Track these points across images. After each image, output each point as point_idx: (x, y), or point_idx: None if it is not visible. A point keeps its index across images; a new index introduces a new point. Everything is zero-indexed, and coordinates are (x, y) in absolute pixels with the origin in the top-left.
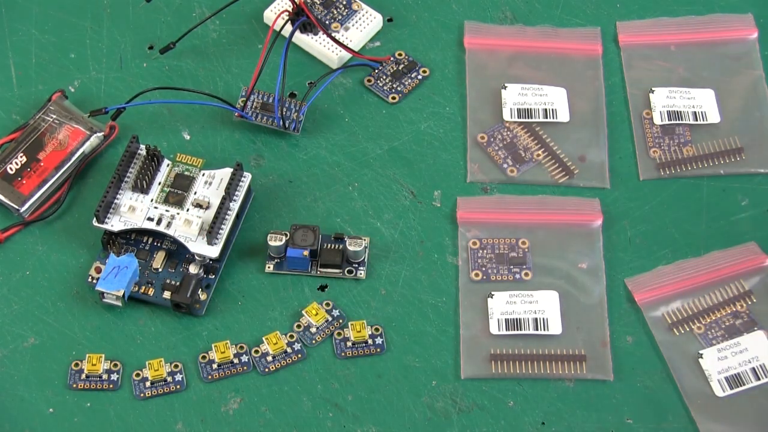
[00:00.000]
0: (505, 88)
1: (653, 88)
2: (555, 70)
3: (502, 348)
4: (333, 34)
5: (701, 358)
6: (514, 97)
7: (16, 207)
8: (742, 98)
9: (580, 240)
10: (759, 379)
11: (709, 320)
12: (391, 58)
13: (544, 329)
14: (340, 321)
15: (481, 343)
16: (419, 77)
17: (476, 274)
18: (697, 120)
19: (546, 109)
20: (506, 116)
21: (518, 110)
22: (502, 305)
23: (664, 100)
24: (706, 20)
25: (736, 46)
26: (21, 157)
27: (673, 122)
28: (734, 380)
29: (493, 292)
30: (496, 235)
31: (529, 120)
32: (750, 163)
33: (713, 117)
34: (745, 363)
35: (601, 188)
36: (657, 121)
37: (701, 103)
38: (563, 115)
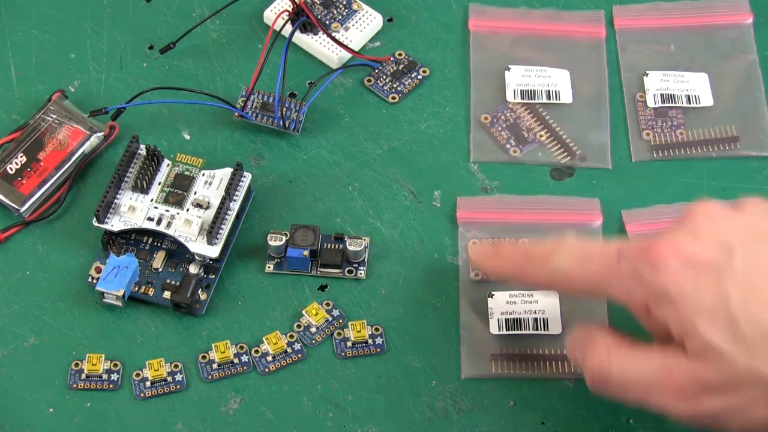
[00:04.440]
0: (508, 69)
1: (647, 71)
2: (558, 52)
3: (502, 348)
4: (333, 34)
5: None
6: (518, 78)
7: (16, 207)
8: (736, 82)
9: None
10: None
11: None
12: (391, 58)
13: (544, 329)
14: (340, 321)
15: (481, 343)
16: (419, 77)
17: (476, 274)
18: (690, 103)
19: (549, 91)
20: (509, 97)
21: (521, 91)
22: (502, 305)
23: (657, 84)
24: (701, 5)
25: (730, 31)
26: (21, 157)
27: (666, 105)
28: None
29: (493, 292)
30: (496, 235)
31: (533, 101)
32: (743, 147)
33: (706, 100)
34: None
35: (603, 168)
36: (650, 103)
37: (695, 86)
38: (566, 97)
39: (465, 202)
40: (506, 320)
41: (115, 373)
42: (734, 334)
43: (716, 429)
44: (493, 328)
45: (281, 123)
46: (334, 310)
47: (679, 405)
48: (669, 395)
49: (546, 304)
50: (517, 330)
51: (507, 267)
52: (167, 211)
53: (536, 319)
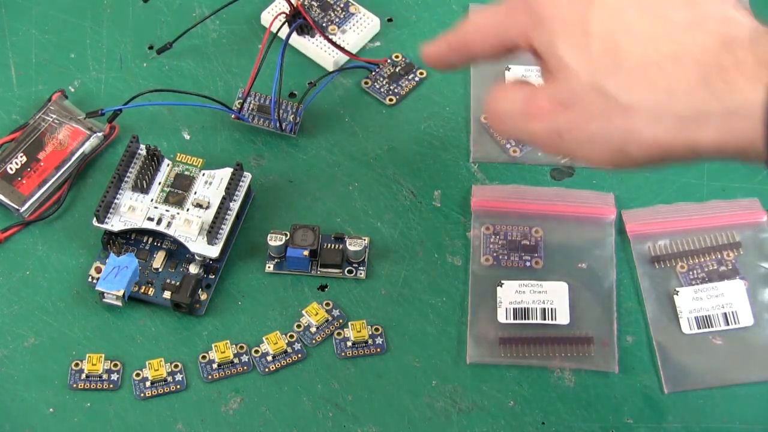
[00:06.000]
0: (508, 69)
1: None
2: None
3: (509, 335)
4: (330, 37)
5: (676, 294)
6: (518, 78)
7: (16, 207)
8: None
9: (593, 233)
10: (728, 324)
11: (693, 262)
12: (388, 61)
13: (552, 320)
14: (340, 321)
15: (489, 329)
16: (416, 79)
17: (486, 259)
18: None
19: None
20: None
21: None
22: (512, 294)
23: None
24: None
25: None
26: (21, 157)
27: None
28: (703, 321)
29: (502, 281)
30: (509, 223)
31: None
32: None
33: None
34: (718, 307)
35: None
36: None
37: None
38: None
39: (479, 190)
40: (514, 309)
41: (115, 373)
42: (584, 50)
43: (558, 149)
44: (501, 317)
45: (278, 125)
46: (334, 310)
47: (536, 125)
48: (530, 118)
49: (555, 295)
50: (525, 319)
51: (441, 42)
52: (167, 211)
53: (544, 309)
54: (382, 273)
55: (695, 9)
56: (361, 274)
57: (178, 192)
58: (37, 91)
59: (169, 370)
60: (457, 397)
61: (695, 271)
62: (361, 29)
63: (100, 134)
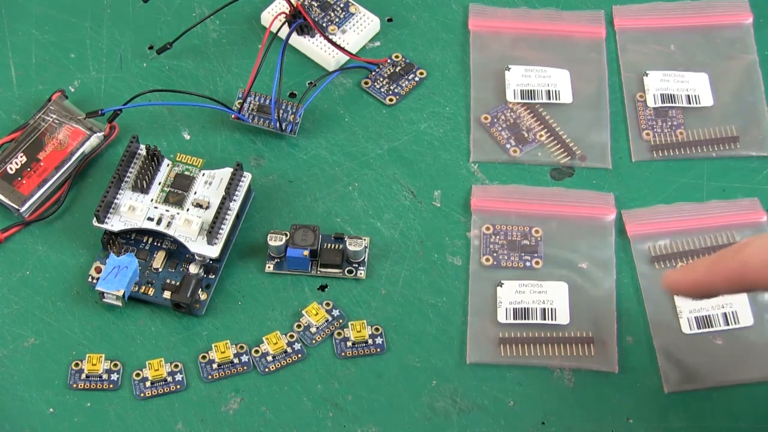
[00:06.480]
0: (508, 69)
1: (647, 72)
2: (558, 53)
3: (509, 335)
4: (330, 37)
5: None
6: (518, 78)
7: (16, 207)
8: (736, 82)
9: (593, 233)
10: (728, 324)
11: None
12: (388, 61)
13: (552, 320)
14: (340, 321)
15: (489, 329)
16: (416, 79)
17: (487, 259)
18: (690, 103)
19: (549, 91)
20: (509, 97)
21: (521, 91)
22: (512, 294)
23: (657, 84)
24: (701, 5)
25: (730, 31)
26: (21, 157)
27: (666, 105)
28: (704, 321)
29: (502, 281)
30: (510, 223)
31: (533, 101)
32: (743, 147)
33: (706, 100)
34: (718, 307)
35: (603, 168)
36: (650, 103)
37: (695, 86)
38: (566, 97)
39: (479, 190)
40: (514, 309)
41: (115, 373)
42: None
43: None
44: (501, 317)
45: (278, 125)
46: (334, 310)
47: None
48: None
49: (555, 295)
50: (525, 319)
51: (700, 273)
52: (167, 211)
53: (544, 309)
54: (382, 273)
55: None
56: (361, 274)
57: (178, 192)
58: (37, 91)
59: (169, 370)
60: (457, 397)
61: None
62: (361, 29)
63: (100, 134)
